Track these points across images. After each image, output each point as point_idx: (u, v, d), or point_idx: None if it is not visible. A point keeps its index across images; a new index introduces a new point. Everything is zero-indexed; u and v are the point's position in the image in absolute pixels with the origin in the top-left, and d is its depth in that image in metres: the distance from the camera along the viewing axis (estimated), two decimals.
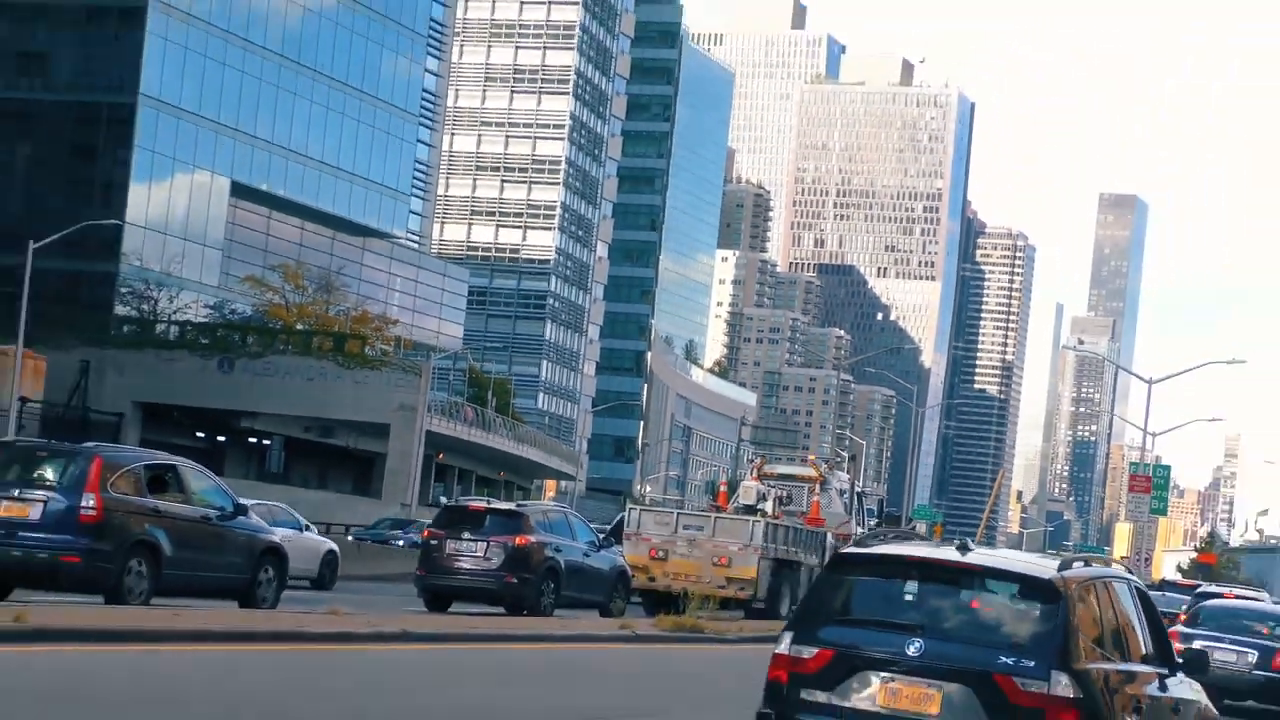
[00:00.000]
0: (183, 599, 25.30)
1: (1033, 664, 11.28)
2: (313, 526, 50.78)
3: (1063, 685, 11.77)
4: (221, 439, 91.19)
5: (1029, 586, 12.20)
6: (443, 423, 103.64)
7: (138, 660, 19.16)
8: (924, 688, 11.40)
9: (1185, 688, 14.30)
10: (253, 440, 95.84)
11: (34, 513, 24.27)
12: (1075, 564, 13.38)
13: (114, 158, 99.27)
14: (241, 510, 27.85)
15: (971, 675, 11.42)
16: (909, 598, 12.29)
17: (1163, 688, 13.18)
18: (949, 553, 13.89)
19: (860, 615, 12.44)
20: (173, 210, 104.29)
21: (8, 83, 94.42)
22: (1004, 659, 11.38)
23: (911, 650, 11.43)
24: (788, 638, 12.31)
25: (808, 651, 11.90)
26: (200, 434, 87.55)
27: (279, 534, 41.73)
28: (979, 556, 13.43)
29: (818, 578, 17.07)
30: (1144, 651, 13.17)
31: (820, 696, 11.73)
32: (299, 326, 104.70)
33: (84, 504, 24.11)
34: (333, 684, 18.92)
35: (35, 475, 25.08)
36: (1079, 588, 12.32)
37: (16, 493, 24.58)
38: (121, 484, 24.90)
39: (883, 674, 11.56)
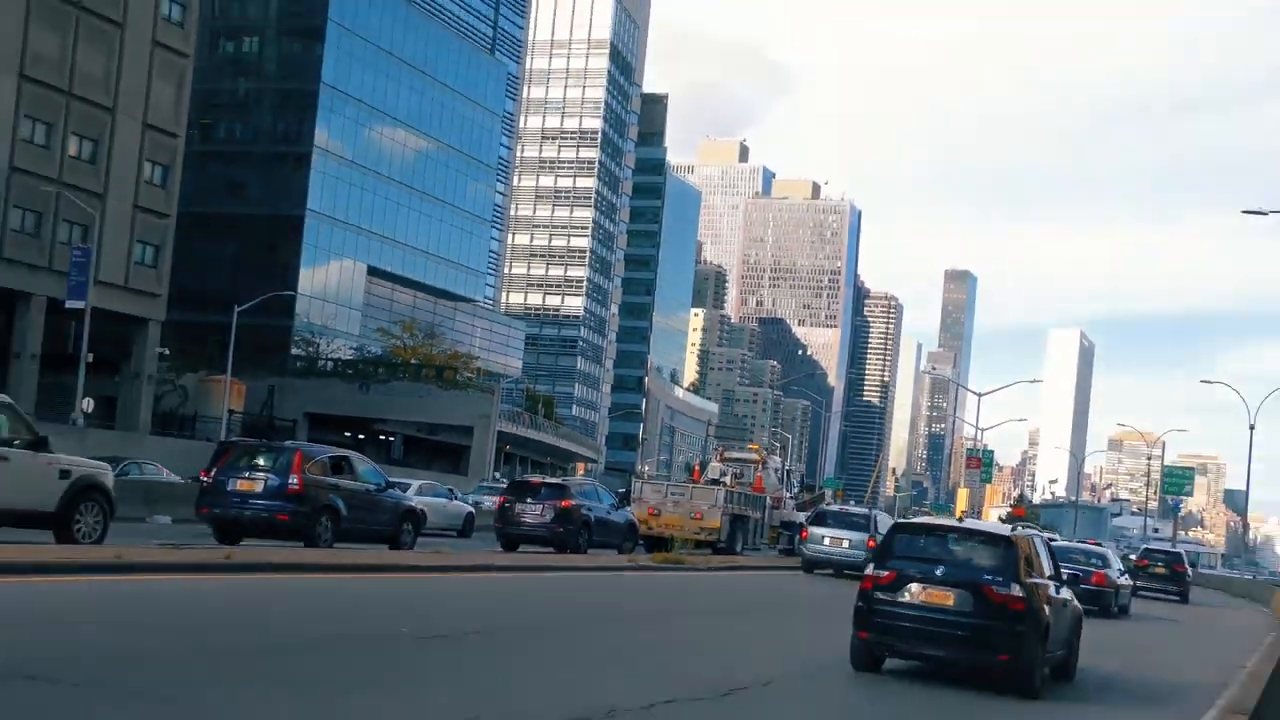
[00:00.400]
0: (353, 544, 25.57)
1: (1001, 579, 15.22)
2: (458, 494, 50.24)
3: (1015, 590, 15.33)
4: (361, 437, 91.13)
5: (997, 540, 16.16)
6: (508, 425, 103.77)
7: (328, 582, 19.50)
8: (944, 592, 15.20)
9: (1066, 592, 17.71)
10: (381, 438, 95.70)
11: (258, 487, 24.61)
12: (1017, 528, 18.37)
13: (290, 250, 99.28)
14: (390, 485, 28.27)
15: (969, 585, 15.27)
16: (935, 546, 16.27)
17: (1057, 592, 16.63)
18: (954, 522, 20.91)
19: (908, 554, 16.30)
20: (328, 284, 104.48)
21: (221, 202, 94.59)
22: (987, 576, 15.36)
23: (939, 572, 15.17)
24: (871, 565, 16.22)
25: (883, 573, 15.39)
26: (347, 434, 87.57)
27: (432, 501, 42.21)
28: (970, 524, 19.59)
29: (886, 534, 19.13)
30: (1048, 573, 16.76)
31: (887, 596, 15.15)
32: (413, 361, 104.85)
33: (290, 481, 24.45)
34: (444, 594, 19.06)
35: (258, 463, 25.24)
36: (1020, 539, 16.29)
37: (247, 474, 24.91)
38: (314, 468, 25.09)
39: (922, 584, 15.11)
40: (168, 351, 75.96)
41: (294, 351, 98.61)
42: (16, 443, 19.05)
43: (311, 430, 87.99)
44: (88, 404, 58.80)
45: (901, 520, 25.12)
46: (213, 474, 25.82)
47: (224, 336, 71.76)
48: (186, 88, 72.19)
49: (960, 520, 23.77)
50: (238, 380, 77.61)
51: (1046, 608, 15.39)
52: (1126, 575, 39.03)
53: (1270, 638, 21.64)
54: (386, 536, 27.29)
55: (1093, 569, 32.61)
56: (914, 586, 15.00)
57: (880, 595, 15.06)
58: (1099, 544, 54.40)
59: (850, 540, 35.33)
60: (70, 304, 58.45)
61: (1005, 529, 17.11)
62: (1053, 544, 24.22)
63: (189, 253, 78.95)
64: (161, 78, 69.31)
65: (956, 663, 15.14)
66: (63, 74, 63.67)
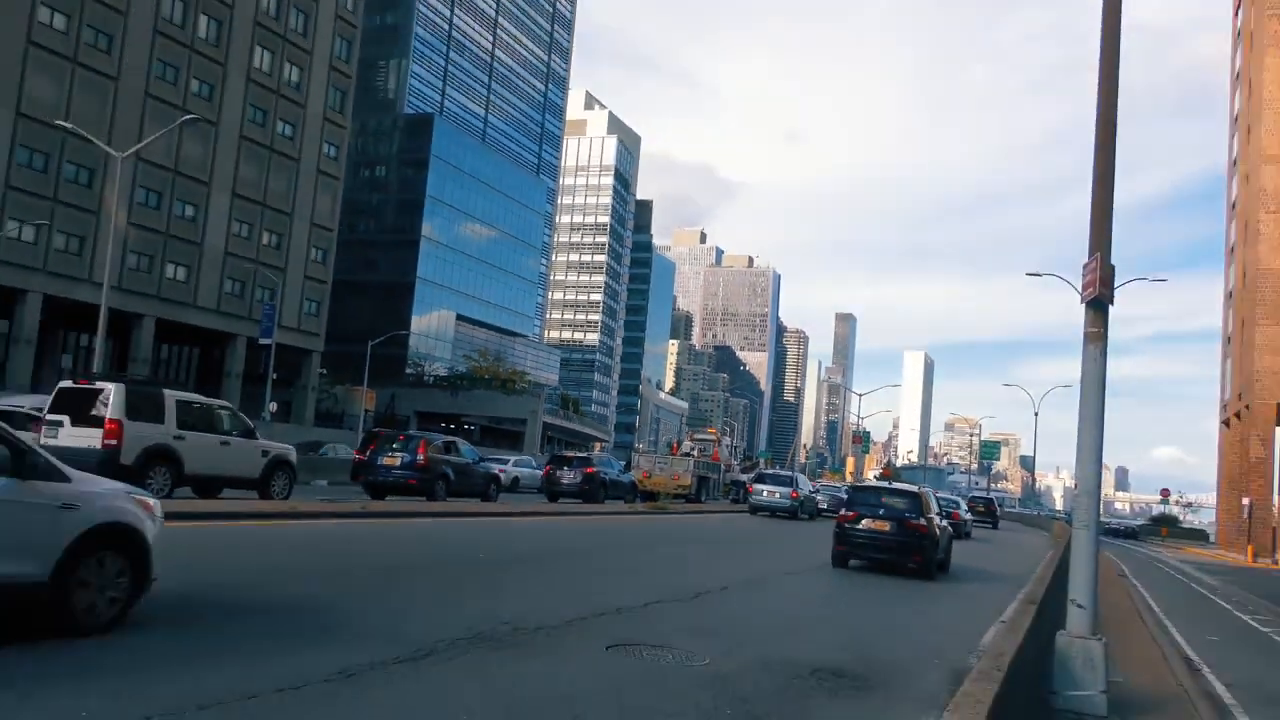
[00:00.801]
0: (458, 498, 25.62)
1: (914, 515, 18.09)
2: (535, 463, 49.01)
3: (921, 521, 18.20)
4: (452, 427, 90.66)
5: (911, 493, 19.22)
6: (549, 418, 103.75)
7: (453, 522, 19.61)
8: (883, 522, 18.01)
9: (944, 522, 20.28)
10: (466, 427, 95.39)
11: (397, 461, 24.80)
12: (922, 487, 21.78)
13: (405, 304, 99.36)
14: (480, 460, 28.27)
15: (897, 518, 18.09)
16: (876, 497, 18.90)
17: (940, 522, 19.35)
18: (885, 483, 23.14)
19: (862, 502, 19.00)
20: (430, 326, 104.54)
21: (361, 273, 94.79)
22: (906, 514, 17.97)
23: (880, 512, 18.13)
24: (842, 509, 18.95)
25: (849, 513, 18.45)
26: (442, 425, 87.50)
27: (525, 471, 42.48)
28: (895, 485, 21.33)
29: (849, 490, 23.48)
30: (934, 511, 19.09)
31: (851, 527, 18.16)
32: (485, 376, 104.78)
33: (418, 458, 24.73)
34: (512, 531, 19.04)
35: (396, 445, 25.36)
36: (923, 492, 19.50)
37: (389, 453, 25.05)
38: (433, 449, 25.37)
39: (871, 518, 18.13)
40: (325, 371, 76.13)
41: (408, 370, 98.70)
42: (235, 432, 19.40)
43: (420, 423, 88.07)
44: (273, 406, 59.09)
45: (855, 484, 29.74)
46: (366, 453, 26.07)
47: (362, 361, 72.00)
48: (338, 199, 72.53)
49: (889, 481, 26.60)
50: (370, 390, 77.83)
51: (937, 531, 18.64)
52: (969, 513, 42.24)
53: (1050, 553, 22.37)
54: (479, 493, 27.35)
55: (952, 509, 33.65)
56: (866, 520, 18.22)
57: (848, 526, 18.30)
58: (953, 495, 55.56)
59: (780, 493, 35.77)
60: (262, 341, 58.82)
61: (915, 487, 20.93)
62: (900, 485, 27.87)
63: (340, 306, 79.25)
64: (322, 193, 69.68)
65: (890, 563, 18.01)
66: (259, 192, 64.06)
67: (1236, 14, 68.48)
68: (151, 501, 7.57)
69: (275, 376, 59.53)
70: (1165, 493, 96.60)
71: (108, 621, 6.84)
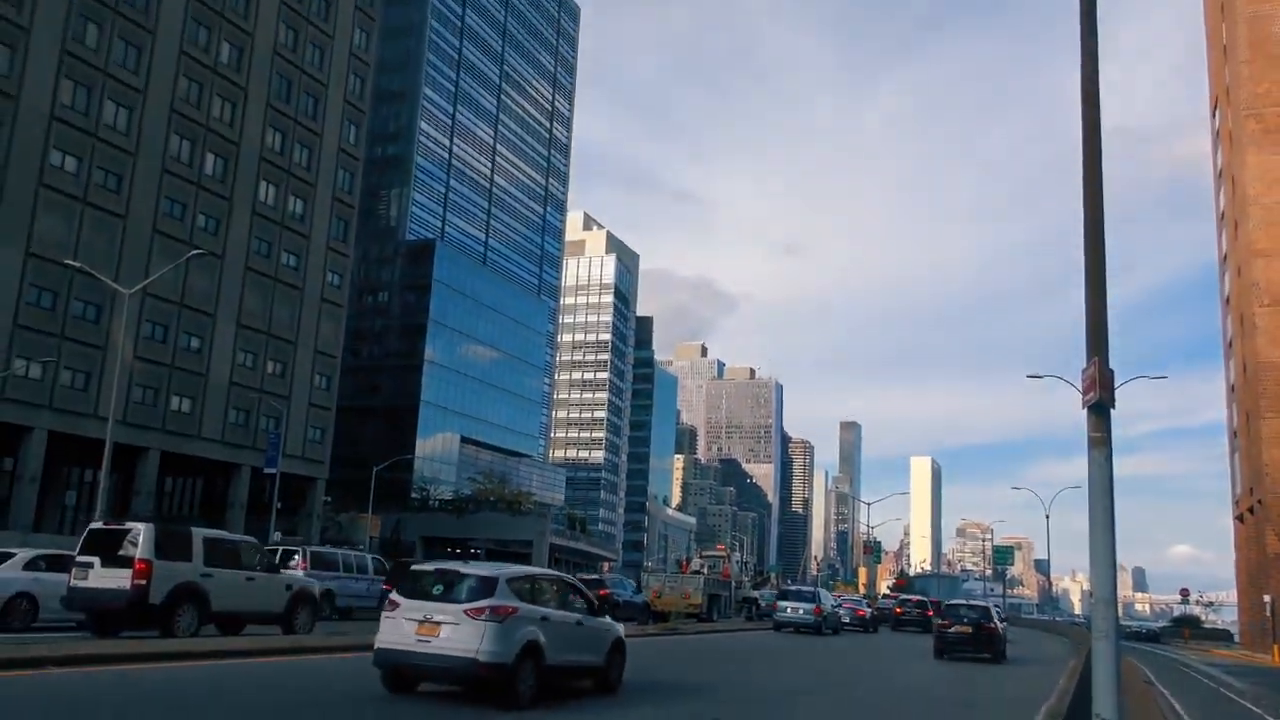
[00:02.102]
0: None
1: (988, 621, 27.28)
2: None
3: (993, 625, 27.88)
4: (458, 552, 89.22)
5: (983, 607, 29.13)
6: (555, 538, 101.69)
7: None
8: (966, 626, 27.15)
9: (1004, 624, 30.30)
10: (472, 551, 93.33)
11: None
12: (986, 600, 36.18)
13: (409, 428, 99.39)
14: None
15: (975, 624, 26.22)
16: (959, 609, 29.18)
17: (1001, 624, 28.93)
18: (965, 600, 33.94)
19: (949, 614, 27.83)
20: (435, 449, 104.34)
21: (365, 398, 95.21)
22: (981, 620, 27.54)
23: (964, 619, 27.47)
24: (937, 619, 29.45)
25: (942, 620, 27.74)
26: (448, 550, 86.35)
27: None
28: (971, 601, 33.61)
29: (940, 605, 34.14)
30: (998, 617, 28.75)
31: (946, 630, 27.49)
32: (491, 498, 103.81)
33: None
34: None
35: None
36: (990, 606, 27.80)
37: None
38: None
39: (956, 624, 27.33)
40: (330, 499, 75.65)
41: (413, 495, 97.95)
42: (259, 567, 19.51)
43: (425, 549, 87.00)
44: (278, 536, 58.51)
45: (946, 603, 35.13)
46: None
47: (367, 487, 71.62)
48: (342, 326, 73.33)
49: (968, 600, 37.59)
50: (375, 516, 77.11)
51: (1001, 629, 28.02)
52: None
53: (1072, 662, 22.03)
54: None
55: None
56: (955, 626, 27.14)
57: (944, 631, 27.24)
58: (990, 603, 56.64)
59: (804, 608, 36.23)
60: (267, 470, 58.56)
61: (984, 602, 29.72)
62: (973, 601, 35.31)
63: (344, 431, 79.25)
64: (326, 320, 70.45)
65: (976, 655, 25.91)
66: (264, 322, 64.79)
67: (1214, 115, 70.35)
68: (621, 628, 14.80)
69: (280, 505, 59.11)
70: (1185, 592, 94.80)
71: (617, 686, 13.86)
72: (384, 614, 11.85)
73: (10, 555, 20.27)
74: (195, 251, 42.65)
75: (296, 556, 28.49)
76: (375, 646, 11.70)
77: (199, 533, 18.26)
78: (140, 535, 17.08)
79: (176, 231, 57.63)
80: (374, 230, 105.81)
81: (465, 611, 11.38)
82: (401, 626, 11.54)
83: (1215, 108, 69.68)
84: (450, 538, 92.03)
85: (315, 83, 68.94)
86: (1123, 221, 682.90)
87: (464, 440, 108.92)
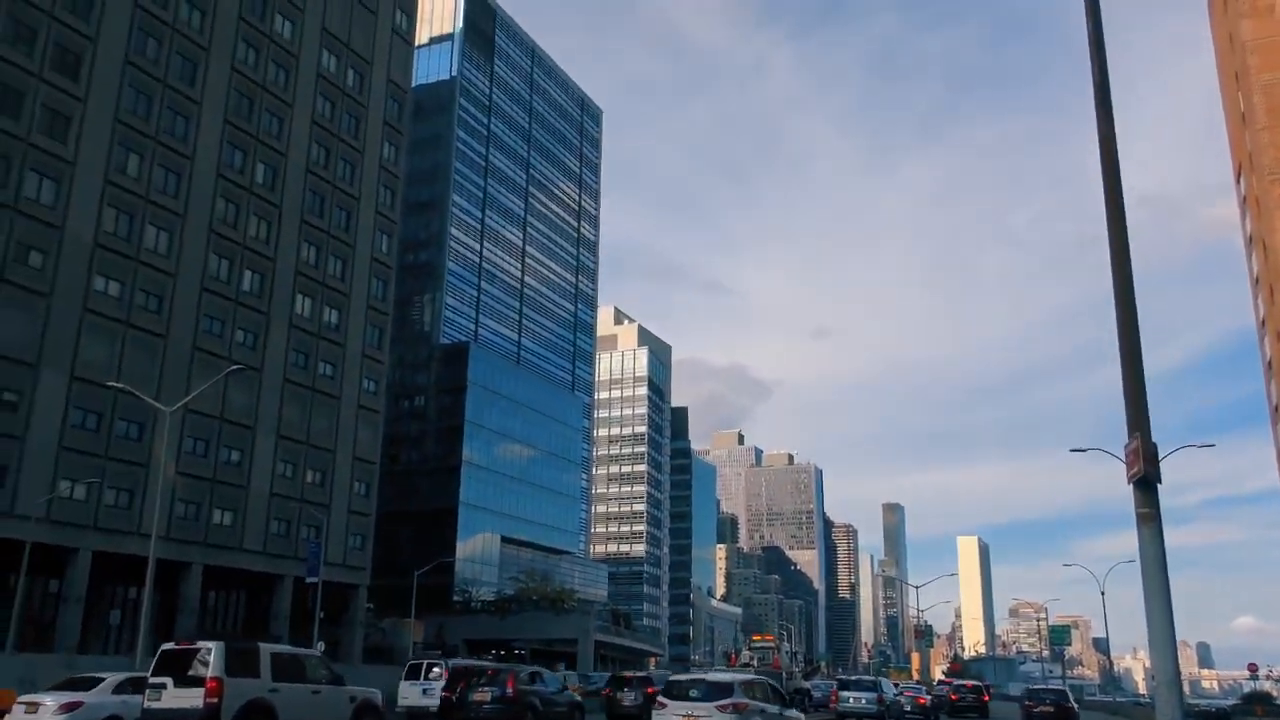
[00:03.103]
0: None
1: (1065, 700, 34.20)
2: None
3: (1070, 705, 33.84)
4: (502, 653, 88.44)
5: (1060, 691, 34.55)
6: (600, 635, 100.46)
7: None
8: (1049, 708, 33.03)
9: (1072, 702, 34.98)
10: (517, 651, 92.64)
11: (487, 697, 24.72)
12: (1066, 687, 38.69)
13: (449, 530, 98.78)
14: (565, 688, 28.53)
15: (1056, 703, 33.10)
16: (1041, 694, 36.10)
17: (1072, 703, 34.11)
18: (1052, 685, 47.62)
19: (1035, 696, 34.76)
20: (475, 550, 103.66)
21: (404, 502, 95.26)
22: (1060, 700, 33.80)
23: (1047, 701, 34.03)
24: (1026, 700, 35.90)
25: (1030, 703, 34.90)
26: (492, 652, 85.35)
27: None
28: (1052, 686, 42.87)
29: (1024, 692, 38.32)
30: (1073, 699, 33.80)
31: (1033, 708, 34.02)
32: (533, 598, 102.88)
33: (507, 691, 24.67)
34: None
35: (481, 680, 25.24)
36: (1067, 690, 30.94)
37: (479, 689, 25.15)
38: (517, 681, 25.12)
39: (1041, 705, 33.76)
40: (371, 606, 75.18)
41: (454, 598, 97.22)
42: (324, 680, 19.81)
43: (469, 652, 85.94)
44: (320, 646, 57.99)
45: (1029, 688, 41.68)
46: (455, 691, 25.66)
47: (408, 592, 71.15)
48: (380, 431, 73.76)
49: (1046, 685, 43.58)
50: (419, 621, 76.54)
51: (1075, 706, 33.51)
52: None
53: None
54: (564, 716, 26.70)
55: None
56: (1039, 706, 33.15)
57: (1030, 710, 32.94)
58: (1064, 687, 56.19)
59: (866, 698, 35.77)
60: (309, 580, 58.37)
61: (1063, 688, 33.41)
62: (1051, 685, 40.28)
63: (384, 536, 79.11)
64: (364, 427, 70.94)
65: None
66: (303, 431, 65.36)
67: (1238, 181, 70.29)
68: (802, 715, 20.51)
69: (322, 615, 58.77)
70: (1254, 667, 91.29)
71: None
72: (655, 711, 18.42)
73: (99, 680, 21.33)
74: (234, 366, 43.39)
75: (437, 669, 30.36)
76: None
77: (266, 648, 18.68)
78: (211, 654, 17.50)
79: (216, 348, 58.67)
80: (408, 336, 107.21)
81: (716, 707, 17.09)
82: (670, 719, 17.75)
83: (1239, 174, 69.66)
84: (493, 639, 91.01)
85: (347, 197, 70.74)
86: (1154, 289, 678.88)
87: (504, 540, 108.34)
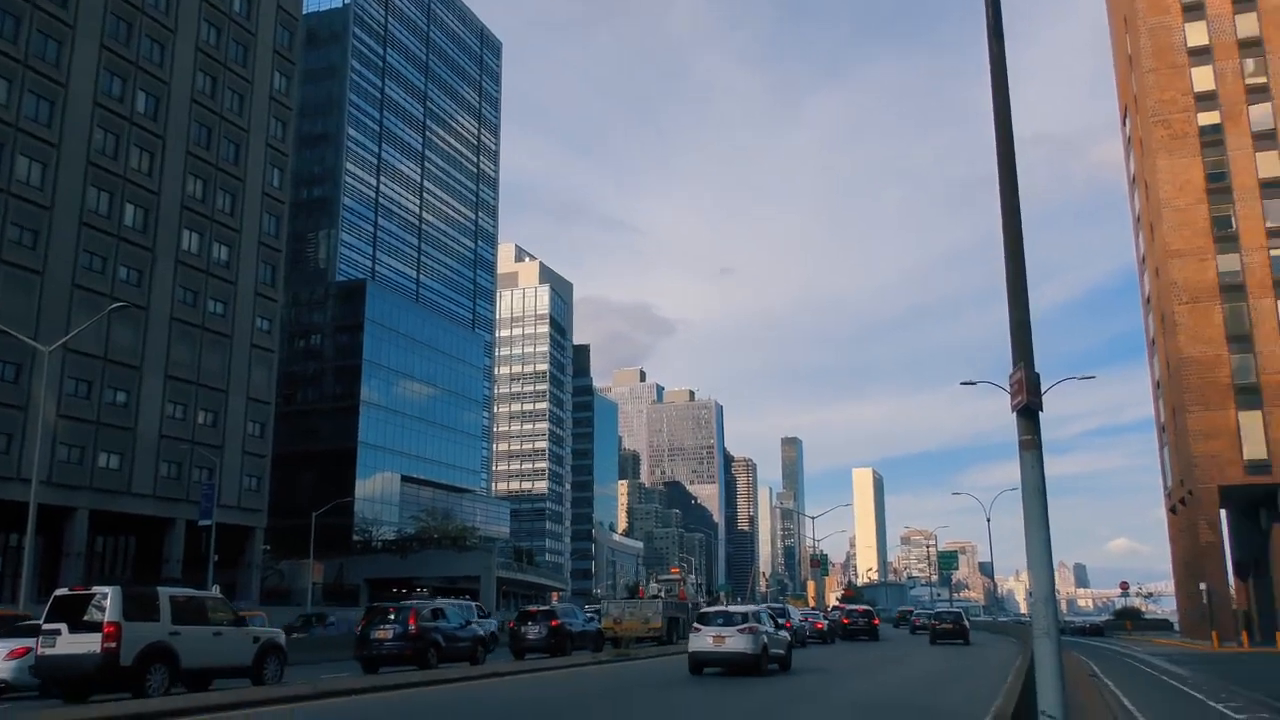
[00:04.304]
0: (450, 661, 25.58)
1: (960, 621, 42.91)
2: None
3: (965, 623, 45.60)
4: (404, 591, 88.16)
5: (959, 612, 42.39)
6: (503, 572, 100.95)
7: (439, 690, 18.87)
8: (949, 624, 44.04)
9: (967, 622, 42.26)
10: (419, 590, 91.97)
11: (389, 634, 24.78)
12: (954, 606, 45.89)
13: (348, 470, 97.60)
14: (468, 623, 28.34)
15: (953, 621, 44.16)
16: (942, 614, 47.06)
17: (967, 621, 41.72)
18: (948, 605, 68.01)
19: (938, 616, 45.97)
20: (375, 490, 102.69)
21: (301, 442, 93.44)
22: (959, 619, 42.77)
23: (948, 619, 44.73)
24: (932, 620, 46.98)
25: (933, 621, 46.27)
26: (394, 590, 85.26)
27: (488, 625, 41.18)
28: (956, 608, 50.94)
29: (933, 613, 45.50)
30: (967, 619, 40.10)
31: (936, 626, 44.58)
32: (435, 536, 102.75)
33: (409, 628, 24.75)
34: (506, 689, 18.18)
35: (384, 618, 25.23)
36: (962, 610, 40.97)
37: (381, 626, 25.02)
38: (419, 617, 25.19)
39: (940, 623, 44.69)
40: (269, 548, 74.16)
41: (355, 538, 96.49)
42: (225, 622, 19.67)
43: (371, 591, 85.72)
44: (215, 589, 56.98)
45: (935, 610, 51.86)
46: (360, 629, 25.69)
47: (307, 533, 70.33)
48: (275, 371, 72.15)
49: (950, 607, 52.74)
50: (318, 562, 75.85)
51: (967, 623, 44.43)
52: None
53: (1017, 662, 22.03)
54: (467, 657, 26.85)
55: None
56: (941, 624, 43.86)
57: (935, 626, 44.22)
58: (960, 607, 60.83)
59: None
60: (202, 523, 57.12)
61: (957, 609, 34.52)
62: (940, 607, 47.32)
63: (282, 478, 77.86)
64: (258, 366, 69.29)
65: (953, 641, 38.88)
66: (194, 371, 63.49)
67: (1124, 122, 72.69)
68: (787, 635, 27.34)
69: (217, 558, 57.67)
70: (1124, 585, 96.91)
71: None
72: (691, 635, 23.62)
73: None
74: (117, 304, 41.68)
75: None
76: (689, 650, 23.08)
77: (165, 591, 18.40)
78: (108, 598, 17.14)
79: (97, 285, 56.30)
80: (304, 273, 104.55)
81: (737, 630, 22.76)
82: (705, 640, 22.78)
83: (1125, 115, 72.02)
84: (395, 578, 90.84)
85: (236, 128, 68.10)
86: (1044, 226, 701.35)
87: (405, 479, 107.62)
